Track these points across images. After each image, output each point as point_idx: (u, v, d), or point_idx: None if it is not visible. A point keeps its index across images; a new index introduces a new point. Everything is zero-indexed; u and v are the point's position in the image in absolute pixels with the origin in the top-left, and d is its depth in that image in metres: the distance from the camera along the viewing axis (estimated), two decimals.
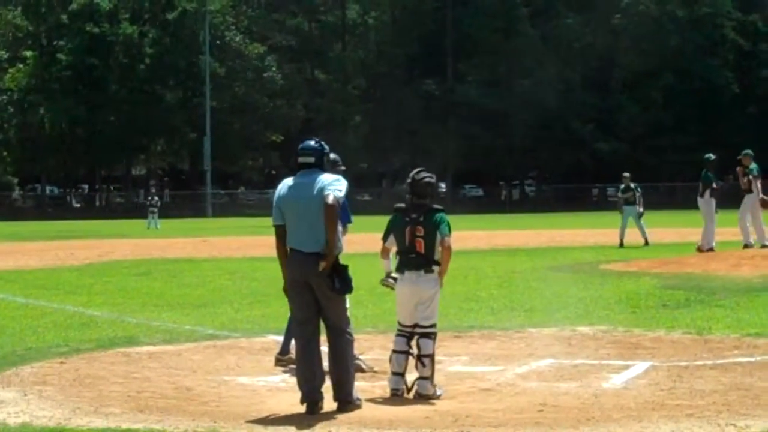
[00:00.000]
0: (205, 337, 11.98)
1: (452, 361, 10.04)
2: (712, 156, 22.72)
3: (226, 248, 30.43)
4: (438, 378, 8.65)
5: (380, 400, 8.32)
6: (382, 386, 8.69)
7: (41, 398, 8.42)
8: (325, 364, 8.06)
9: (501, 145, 79.72)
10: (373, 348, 10.59)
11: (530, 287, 16.88)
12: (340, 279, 7.81)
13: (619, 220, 27.73)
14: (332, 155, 8.66)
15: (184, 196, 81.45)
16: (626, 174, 28.66)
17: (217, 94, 77.64)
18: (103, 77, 78.60)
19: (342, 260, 7.96)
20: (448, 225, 8.46)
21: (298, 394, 7.90)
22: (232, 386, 9.04)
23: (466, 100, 78.62)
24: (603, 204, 71.64)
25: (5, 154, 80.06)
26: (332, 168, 8.49)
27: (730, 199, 22.28)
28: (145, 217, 52.46)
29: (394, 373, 8.47)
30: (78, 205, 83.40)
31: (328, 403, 7.89)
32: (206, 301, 16.05)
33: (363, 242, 24.82)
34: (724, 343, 10.76)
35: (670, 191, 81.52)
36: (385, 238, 8.74)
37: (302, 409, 7.82)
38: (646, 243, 27.01)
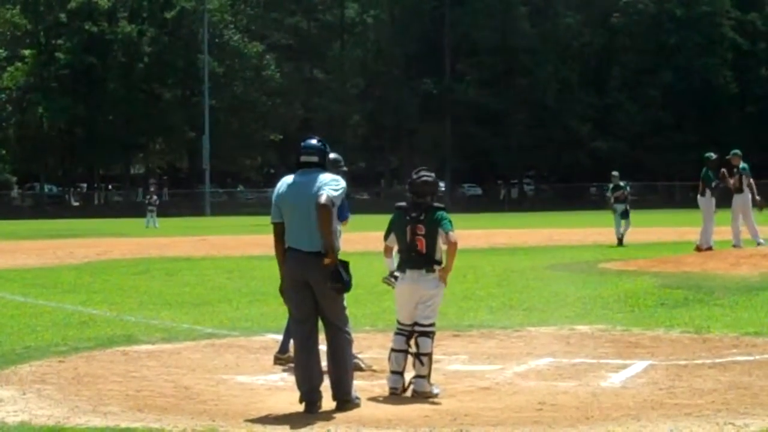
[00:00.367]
0: (203, 336, 11.97)
1: (451, 359, 10.04)
2: (713, 155, 22.73)
3: (224, 247, 30.42)
4: (437, 377, 8.65)
5: (379, 399, 8.31)
6: (381, 385, 8.68)
7: (40, 397, 8.41)
8: (324, 362, 8.05)
9: (499, 144, 79.77)
10: (372, 347, 10.59)
11: (529, 286, 16.88)
12: (341, 276, 7.78)
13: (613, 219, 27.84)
14: (333, 155, 8.64)
15: (183, 195, 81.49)
16: (615, 173, 29.00)
17: (216, 93, 77.64)
18: (101, 76, 78.60)
19: (342, 258, 7.93)
20: (450, 221, 8.45)
21: (297, 393, 7.89)
22: (230, 385, 9.03)
23: (464, 99, 78.65)
24: (601, 203, 71.53)
25: (4, 152, 79.95)
26: (334, 168, 8.48)
27: (730, 198, 22.28)
28: (143, 215, 52.43)
29: (392, 372, 8.47)
30: (76, 204, 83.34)
31: (327, 402, 7.88)
32: (205, 299, 16.04)
33: (361, 241, 24.79)
34: (722, 342, 10.76)
35: (669, 190, 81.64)
36: (386, 237, 8.74)
37: (301, 408, 7.81)
38: (620, 243, 26.87)
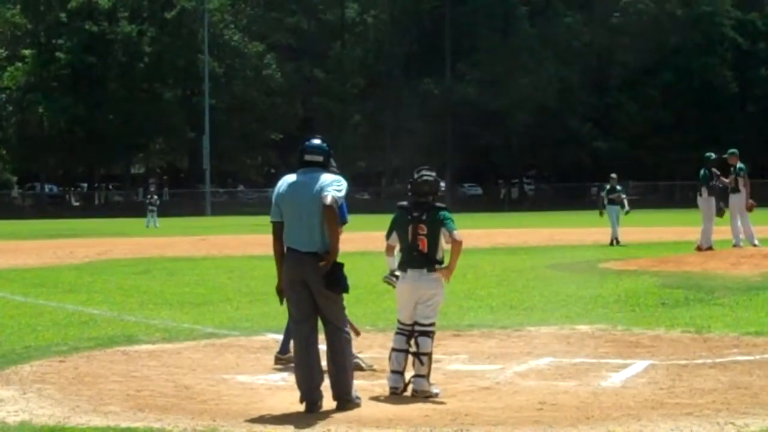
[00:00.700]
0: (204, 336, 11.97)
1: (451, 359, 10.04)
2: (713, 155, 22.74)
3: (225, 247, 30.43)
4: (437, 376, 8.65)
5: (380, 398, 8.31)
6: (381, 384, 8.68)
7: (40, 397, 8.42)
8: (324, 362, 8.05)
9: (500, 144, 79.75)
10: (372, 346, 10.59)
11: (529, 286, 16.88)
12: (336, 278, 7.79)
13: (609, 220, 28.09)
14: None
15: (183, 195, 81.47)
16: (613, 175, 29.55)
17: (216, 93, 77.64)
18: (102, 76, 78.62)
19: (338, 259, 7.92)
20: (453, 221, 8.45)
21: (297, 393, 7.89)
22: (231, 385, 9.03)
23: (464, 98, 78.58)
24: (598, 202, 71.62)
25: (4, 152, 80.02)
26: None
27: (728, 199, 22.28)
28: (144, 215, 52.45)
29: (393, 372, 8.47)
30: (77, 204, 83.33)
31: (328, 402, 7.88)
32: (205, 299, 16.04)
33: (361, 241, 24.80)
34: (723, 342, 10.77)
35: (669, 190, 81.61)
36: (388, 236, 8.74)
37: (301, 407, 7.82)
38: (612, 243, 27.05)
